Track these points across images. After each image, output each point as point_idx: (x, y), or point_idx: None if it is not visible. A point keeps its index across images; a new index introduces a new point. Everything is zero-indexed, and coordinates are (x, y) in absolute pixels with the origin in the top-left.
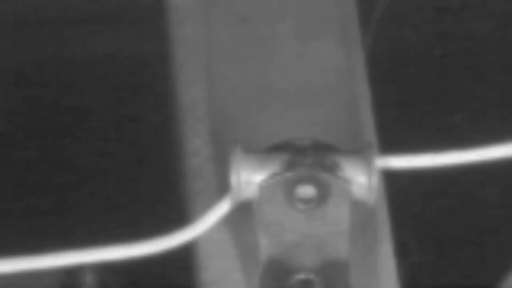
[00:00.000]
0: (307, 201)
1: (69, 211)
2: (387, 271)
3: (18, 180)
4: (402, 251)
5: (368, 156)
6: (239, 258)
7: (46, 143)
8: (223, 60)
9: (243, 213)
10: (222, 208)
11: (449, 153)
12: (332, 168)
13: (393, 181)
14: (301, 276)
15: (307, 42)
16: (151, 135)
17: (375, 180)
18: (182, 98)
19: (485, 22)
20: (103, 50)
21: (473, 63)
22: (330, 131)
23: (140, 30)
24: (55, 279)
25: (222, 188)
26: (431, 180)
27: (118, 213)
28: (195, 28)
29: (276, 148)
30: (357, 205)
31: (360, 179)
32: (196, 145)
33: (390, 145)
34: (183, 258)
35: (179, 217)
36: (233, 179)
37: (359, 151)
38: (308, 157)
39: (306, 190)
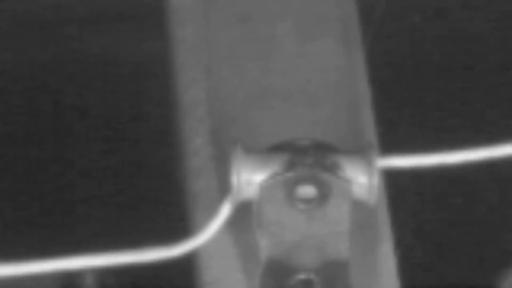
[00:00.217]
0: (307, 201)
1: (69, 211)
2: (387, 271)
3: (18, 180)
4: (402, 251)
5: (369, 156)
6: (239, 258)
7: (46, 143)
8: (223, 60)
9: (243, 213)
10: (223, 213)
11: (450, 154)
12: (333, 168)
13: (393, 181)
14: (302, 276)
15: (307, 42)
16: (151, 135)
17: (376, 180)
18: (182, 98)
19: (485, 22)
20: (103, 50)
21: (473, 63)
22: (330, 131)
23: (140, 30)
24: (55, 280)
25: (223, 188)
26: (431, 180)
27: (118, 213)
28: (195, 28)
29: (276, 148)
30: (357, 205)
31: (361, 179)
32: (196, 145)
33: (390, 145)
34: (184, 258)
35: (179, 217)
36: (234, 179)
37: (359, 151)
38: (308, 157)
39: (307, 190)
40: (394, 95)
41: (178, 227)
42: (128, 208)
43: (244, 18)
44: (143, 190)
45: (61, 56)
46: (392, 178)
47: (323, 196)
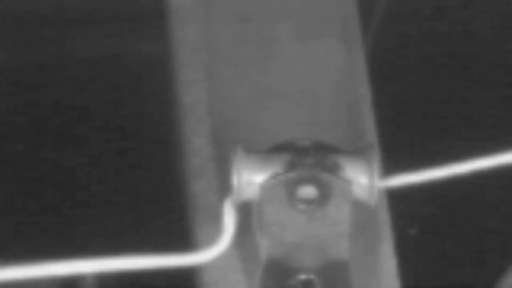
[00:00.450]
0: (308, 201)
1: (68, 211)
2: (387, 271)
3: (18, 180)
4: (403, 251)
5: (369, 156)
6: (239, 258)
7: (46, 143)
8: (223, 61)
9: (244, 214)
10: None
11: (445, 169)
12: (333, 169)
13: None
14: (302, 276)
15: (307, 42)
16: (151, 135)
17: (376, 181)
18: (182, 98)
19: (485, 22)
20: (103, 50)
21: (473, 63)
22: (331, 132)
23: (140, 30)
24: (55, 279)
25: (223, 188)
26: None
27: (118, 213)
28: (195, 28)
29: (277, 149)
30: (357, 206)
31: (361, 179)
32: (197, 145)
33: (391, 146)
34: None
35: (179, 217)
36: (234, 179)
37: (360, 152)
38: (309, 158)
39: (307, 191)
40: (395, 95)
41: (178, 227)
42: (128, 208)
43: (244, 18)
44: (143, 190)
45: (61, 56)
46: None
47: (324, 196)
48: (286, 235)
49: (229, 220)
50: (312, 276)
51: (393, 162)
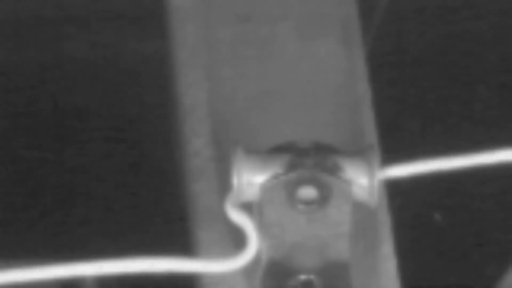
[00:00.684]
0: (308, 202)
1: (68, 212)
2: (388, 272)
3: (18, 180)
4: (403, 252)
5: (370, 157)
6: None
7: (46, 143)
8: (223, 61)
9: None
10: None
11: (450, 160)
12: (334, 170)
13: (394, 182)
14: (302, 277)
15: (307, 43)
16: (151, 135)
17: (376, 181)
18: (182, 99)
19: (485, 22)
20: (103, 50)
21: (473, 63)
22: (331, 132)
23: (140, 30)
24: (55, 280)
25: (223, 189)
26: (431, 180)
27: (118, 213)
28: (195, 28)
29: (277, 149)
30: (358, 206)
31: (362, 180)
32: (197, 146)
33: (391, 146)
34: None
35: (179, 217)
36: (234, 180)
37: (360, 152)
38: (309, 158)
39: (308, 192)
40: (395, 95)
41: (178, 227)
42: (128, 208)
43: (244, 18)
44: (143, 190)
45: (61, 56)
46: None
47: (324, 197)
48: (286, 236)
49: (249, 228)
50: (312, 277)
51: (393, 163)
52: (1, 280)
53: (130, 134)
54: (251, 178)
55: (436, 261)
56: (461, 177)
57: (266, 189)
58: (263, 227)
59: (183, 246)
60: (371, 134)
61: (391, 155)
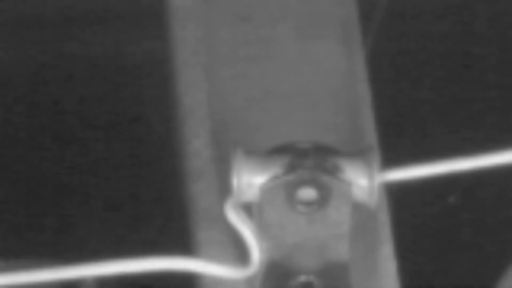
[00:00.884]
0: (308, 203)
1: (68, 212)
2: (387, 273)
3: (18, 180)
4: (403, 252)
5: (369, 158)
6: (239, 259)
7: (46, 143)
8: (223, 61)
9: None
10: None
11: (447, 163)
12: (333, 171)
13: (394, 182)
14: (302, 278)
15: (307, 43)
16: (151, 136)
17: (376, 182)
18: (182, 99)
19: (485, 22)
20: (103, 50)
21: (473, 63)
22: (331, 133)
23: (140, 30)
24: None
25: (223, 190)
26: (431, 180)
27: (118, 213)
28: (195, 28)
29: (277, 151)
30: (357, 207)
31: (361, 181)
32: (197, 147)
33: (391, 147)
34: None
35: (179, 218)
36: (234, 181)
37: (360, 153)
38: (309, 160)
39: (307, 193)
40: (395, 96)
41: (178, 228)
42: (128, 208)
43: (244, 18)
44: (143, 190)
45: (61, 56)
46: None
47: (324, 198)
48: (286, 237)
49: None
50: (312, 278)
51: (393, 164)
52: (1, 281)
53: (130, 134)
54: (251, 179)
55: (436, 261)
56: (461, 177)
57: (265, 190)
58: (263, 228)
59: (183, 246)
60: (371, 135)
61: (391, 156)
